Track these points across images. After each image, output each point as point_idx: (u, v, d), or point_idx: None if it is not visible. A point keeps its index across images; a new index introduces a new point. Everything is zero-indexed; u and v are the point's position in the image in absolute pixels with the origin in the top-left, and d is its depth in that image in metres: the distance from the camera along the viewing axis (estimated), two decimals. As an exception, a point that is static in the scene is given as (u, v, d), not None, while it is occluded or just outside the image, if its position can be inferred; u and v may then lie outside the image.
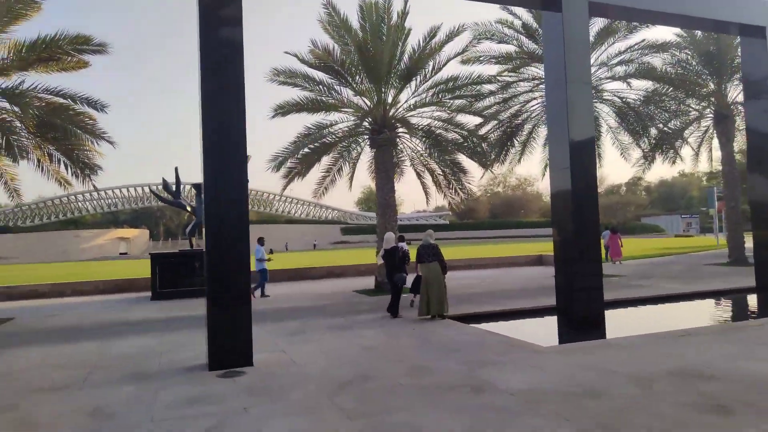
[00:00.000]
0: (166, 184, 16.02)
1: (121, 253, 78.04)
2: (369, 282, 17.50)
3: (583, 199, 8.91)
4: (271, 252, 67.49)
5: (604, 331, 8.54)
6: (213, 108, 7.07)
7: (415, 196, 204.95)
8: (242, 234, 7.10)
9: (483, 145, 16.43)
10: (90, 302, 15.64)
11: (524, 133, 18.97)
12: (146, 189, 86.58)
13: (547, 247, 41.42)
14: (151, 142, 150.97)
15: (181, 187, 16.32)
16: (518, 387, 5.46)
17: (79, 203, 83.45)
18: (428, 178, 16.53)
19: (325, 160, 16.67)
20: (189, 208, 16.65)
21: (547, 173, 11.06)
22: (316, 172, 17.28)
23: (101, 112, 12.59)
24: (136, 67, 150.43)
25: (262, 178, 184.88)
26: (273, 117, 14.80)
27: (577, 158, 8.84)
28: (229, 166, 7.12)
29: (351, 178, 18.09)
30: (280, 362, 7.18)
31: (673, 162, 21.48)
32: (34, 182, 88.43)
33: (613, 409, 4.73)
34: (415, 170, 16.38)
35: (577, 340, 7.88)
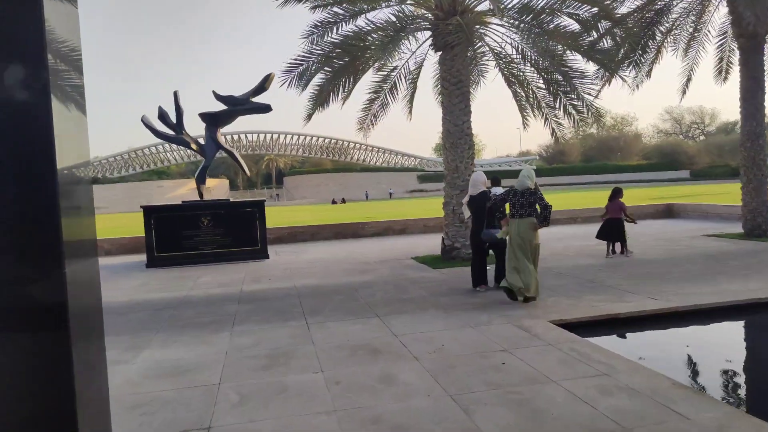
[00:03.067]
0: (162, 113, 12.06)
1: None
2: (435, 243, 12.81)
3: None
4: (343, 201, 64.83)
5: None
6: None
7: (495, 136, 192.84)
8: None
9: (611, 38, 10.72)
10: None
11: (666, 25, 12.77)
12: (222, 138, 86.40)
13: (670, 194, 34.17)
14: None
15: (183, 117, 12.28)
16: None
17: (167, 153, 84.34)
18: (523, 94, 11.17)
19: (371, 76, 11.85)
20: (195, 146, 12.59)
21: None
22: (361, 93, 12.54)
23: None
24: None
25: (338, 125, 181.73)
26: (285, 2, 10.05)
27: None
28: None
29: (410, 101, 13.15)
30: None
31: None
32: (124, 133, 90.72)
33: None
34: (504, 76, 10.95)
35: None
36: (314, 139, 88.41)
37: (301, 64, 10.44)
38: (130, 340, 5.81)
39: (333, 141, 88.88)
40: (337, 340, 5.42)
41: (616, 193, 10.61)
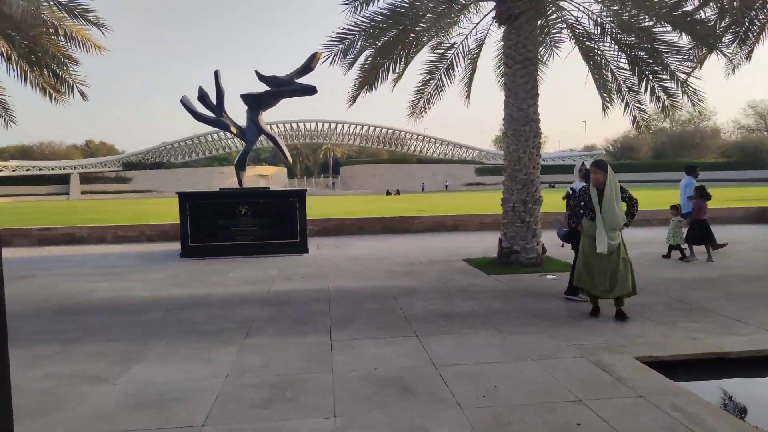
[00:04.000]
0: (202, 94, 11.35)
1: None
2: (491, 243, 11.51)
3: None
4: (398, 193, 63.81)
5: None
6: None
7: (557, 128, 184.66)
8: None
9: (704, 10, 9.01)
10: (107, 254, 11.87)
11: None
12: (281, 127, 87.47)
13: (756, 195, 30.55)
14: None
15: (224, 98, 11.52)
16: None
17: (228, 140, 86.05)
18: (604, 75, 9.54)
19: (426, 54, 10.65)
20: (234, 129, 11.82)
21: None
22: (415, 76, 11.36)
23: None
24: None
25: (393, 115, 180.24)
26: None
27: None
28: None
29: (468, 84, 11.83)
30: None
31: None
32: (190, 120, 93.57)
33: None
34: (582, 51, 9.31)
35: None
36: (371, 128, 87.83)
37: (345, 38, 9.35)
38: (125, 349, 4.98)
39: (390, 131, 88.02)
40: (362, 368, 4.34)
41: (703, 192, 9.43)
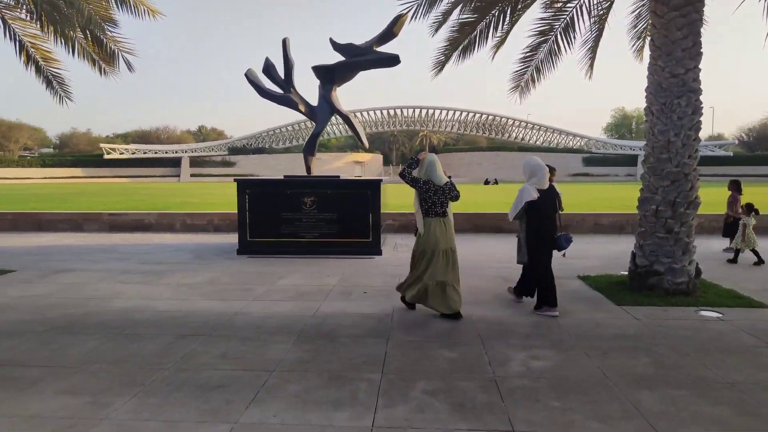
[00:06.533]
0: (267, 66, 9.82)
1: (355, 176, 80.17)
2: (612, 253, 8.94)
3: None
4: (495, 182, 60.32)
5: None
6: None
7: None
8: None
9: None
10: (164, 245, 10.82)
11: None
12: (378, 113, 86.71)
13: None
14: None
15: (293, 71, 9.93)
16: None
17: (328, 126, 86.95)
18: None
19: (537, 11, 8.31)
20: (303, 107, 10.18)
21: None
22: (519, 40, 9.02)
23: None
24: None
25: (494, 100, 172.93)
26: None
27: None
28: None
29: (593, 49, 9.25)
30: None
31: None
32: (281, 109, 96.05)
33: None
34: None
35: None
36: (470, 115, 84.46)
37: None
38: (75, 411, 3.41)
39: (490, 117, 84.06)
40: None
41: None
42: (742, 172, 61.66)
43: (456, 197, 5.57)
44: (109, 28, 7.93)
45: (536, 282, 5.75)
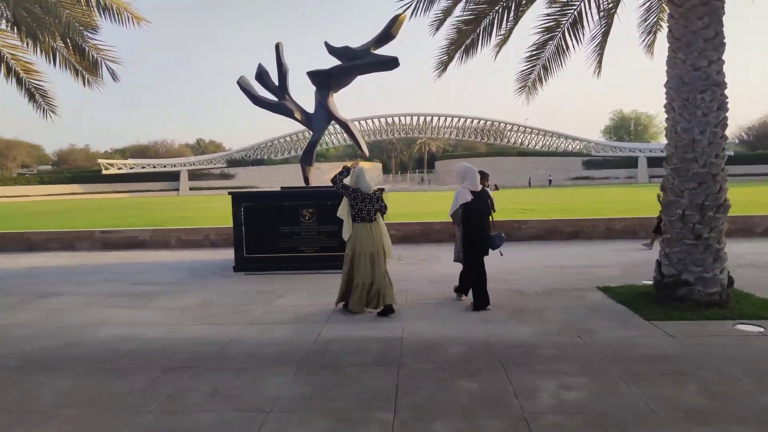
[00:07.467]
0: (260, 72, 9.38)
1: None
2: (629, 259, 8.45)
3: None
4: (496, 188, 59.85)
5: None
6: None
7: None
8: None
9: None
10: (158, 264, 10.32)
11: None
12: (376, 122, 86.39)
13: None
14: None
15: (287, 77, 9.48)
16: None
17: (326, 136, 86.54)
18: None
19: (542, 6, 7.87)
20: (299, 115, 9.73)
21: None
22: (519, 41, 8.59)
23: None
24: None
25: (492, 106, 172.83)
26: None
27: None
28: None
29: (601, 45, 8.80)
30: None
31: None
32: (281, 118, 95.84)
33: None
34: None
35: None
36: (468, 121, 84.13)
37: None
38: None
39: (488, 123, 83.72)
40: None
41: None
42: (743, 171, 61.27)
43: (383, 209, 6.09)
44: (91, 36, 7.49)
45: (473, 282, 6.21)
